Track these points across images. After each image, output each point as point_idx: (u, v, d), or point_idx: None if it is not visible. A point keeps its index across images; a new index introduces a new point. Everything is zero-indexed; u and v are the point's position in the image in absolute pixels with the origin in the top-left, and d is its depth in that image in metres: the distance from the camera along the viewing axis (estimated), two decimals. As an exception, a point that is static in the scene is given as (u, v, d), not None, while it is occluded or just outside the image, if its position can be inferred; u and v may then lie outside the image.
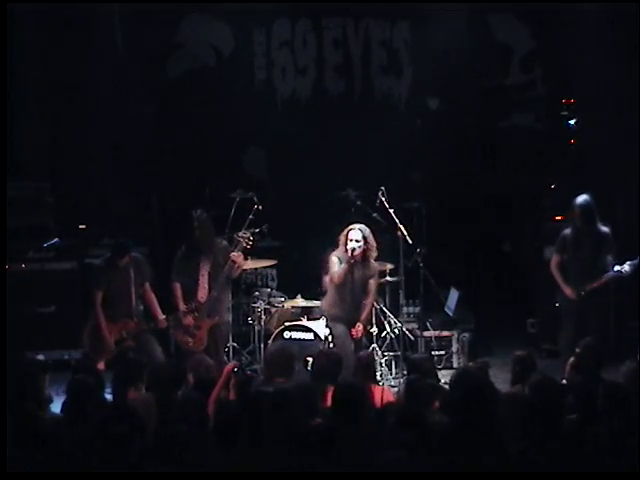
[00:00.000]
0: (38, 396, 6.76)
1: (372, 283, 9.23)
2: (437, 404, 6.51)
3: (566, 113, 12.12)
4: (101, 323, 8.93)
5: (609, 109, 11.46)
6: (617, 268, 8.91)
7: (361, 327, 9.16)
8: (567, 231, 9.21)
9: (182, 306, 9.07)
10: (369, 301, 9.25)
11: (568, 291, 9.05)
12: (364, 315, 9.21)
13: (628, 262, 8.92)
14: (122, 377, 7.11)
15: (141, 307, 9.16)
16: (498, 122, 12.62)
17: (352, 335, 9.08)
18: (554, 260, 9.24)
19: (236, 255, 9.08)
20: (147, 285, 9.14)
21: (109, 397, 7.02)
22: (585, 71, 11.66)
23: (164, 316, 9.07)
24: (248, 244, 9.13)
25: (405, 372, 9.32)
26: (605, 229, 9.11)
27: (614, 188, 11.31)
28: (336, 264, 9.11)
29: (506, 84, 12.61)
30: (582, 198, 9.10)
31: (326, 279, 9.45)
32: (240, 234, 9.21)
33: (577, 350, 7.40)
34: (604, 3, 11.33)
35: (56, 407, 6.81)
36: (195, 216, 9.08)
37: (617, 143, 11.38)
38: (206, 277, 9.11)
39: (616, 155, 11.36)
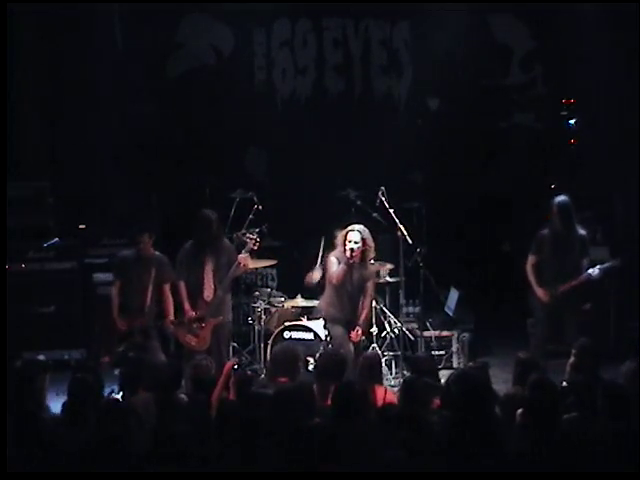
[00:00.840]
0: (38, 396, 6.76)
1: (369, 285, 9.21)
2: (436, 402, 6.52)
3: (566, 113, 12.12)
4: (114, 313, 8.97)
5: (609, 109, 11.45)
6: (590, 271, 8.86)
7: (360, 331, 9.14)
8: (544, 232, 9.12)
9: (189, 311, 9.06)
10: (367, 303, 9.23)
11: (540, 292, 8.98)
12: (362, 317, 9.18)
13: (598, 266, 8.88)
14: (132, 377, 7.13)
15: (155, 308, 9.15)
16: (498, 122, 12.61)
17: (351, 338, 9.07)
18: (530, 261, 9.12)
19: (243, 257, 9.06)
20: (166, 287, 9.13)
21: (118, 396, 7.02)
22: (585, 71, 11.66)
23: (172, 317, 9.07)
24: (256, 245, 9.11)
25: (405, 372, 9.33)
26: (582, 232, 9.06)
27: (614, 188, 11.30)
28: (334, 264, 9.10)
29: (506, 84, 12.60)
30: (560, 198, 9.03)
31: (314, 276, 9.48)
32: (248, 235, 9.18)
33: (574, 350, 7.40)
34: (604, 3, 11.33)
35: (56, 407, 6.81)
36: (209, 215, 9.08)
37: (617, 143, 11.38)
38: (211, 276, 9.10)
39: (616, 155, 11.36)
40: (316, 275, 9.57)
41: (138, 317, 8.96)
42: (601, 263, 8.97)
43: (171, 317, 9.07)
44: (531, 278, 9.07)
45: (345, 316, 9.13)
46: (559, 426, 5.71)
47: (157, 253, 9.13)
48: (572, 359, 7.33)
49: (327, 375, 7.10)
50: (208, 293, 9.11)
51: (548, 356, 8.72)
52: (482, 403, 5.74)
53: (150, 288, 8.99)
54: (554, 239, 9.00)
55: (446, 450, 5.41)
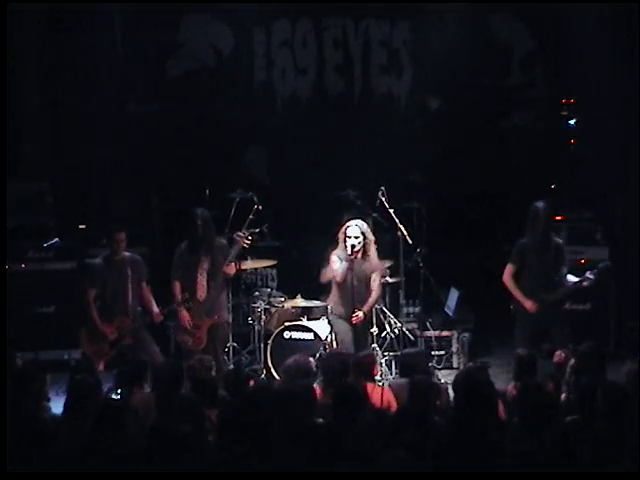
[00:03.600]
0: (38, 396, 6.75)
1: (374, 278, 9.19)
2: (437, 403, 6.53)
3: (566, 113, 12.12)
4: (96, 321, 8.96)
5: (609, 109, 11.45)
6: (575, 279, 8.78)
7: (360, 314, 9.07)
8: (524, 241, 8.99)
9: (178, 295, 9.07)
10: (373, 297, 9.20)
11: (529, 304, 8.82)
12: (366, 307, 9.14)
13: (588, 272, 8.80)
14: (127, 378, 7.11)
15: (139, 308, 9.17)
16: (498, 122, 12.61)
17: (352, 322, 9.02)
18: (508, 270, 8.98)
19: (229, 267, 9.10)
20: (143, 284, 9.17)
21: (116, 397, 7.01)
22: (585, 71, 11.65)
23: (158, 309, 9.07)
24: (246, 244, 9.13)
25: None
26: (559, 240, 9.01)
27: (614, 188, 11.30)
28: (337, 262, 9.11)
29: (506, 84, 12.60)
30: (541, 204, 8.89)
31: (326, 274, 9.47)
32: (238, 233, 9.21)
33: (576, 352, 7.38)
34: (604, 3, 11.32)
35: (56, 407, 6.81)
36: (199, 214, 9.09)
37: (617, 143, 11.37)
38: (205, 276, 9.13)
39: (616, 155, 11.35)
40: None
41: (123, 319, 8.98)
42: (590, 269, 8.89)
43: (156, 309, 9.08)
44: (513, 290, 8.94)
45: (351, 312, 9.08)
46: (556, 426, 5.71)
47: (128, 253, 9.15)
48: (573, 361, 7.30)
49: (331, 376, 7.08)
50: (201, 293, 9.13)
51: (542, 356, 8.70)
52: (485, 402, 5.75)
53: (130, 288, 9.01)
54: (535, 249, 8.89)
55: (447, 450, 5.41)
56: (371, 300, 9.21)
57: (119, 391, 6.92)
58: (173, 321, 9.72)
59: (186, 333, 9.12)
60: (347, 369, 7.21)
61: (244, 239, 9.12)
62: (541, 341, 8.95)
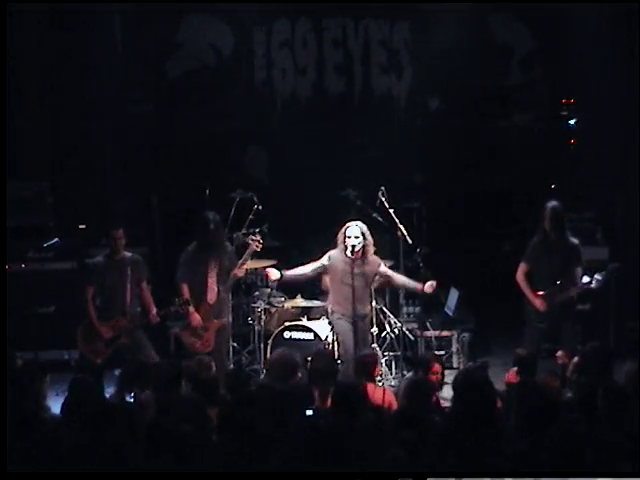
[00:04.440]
0: (38, 396, 6.75)
1: (384, 270, 9.16)
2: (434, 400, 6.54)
3: (566, 113, 12.13)
4: (93, 320, 8.95)
5: (609, 109, 11.45)
6: (586, 280, 8.76)
7: (430, 283, 9.06)
8: (536, 239, 9.01)
9: (187, 296, 9.05)
10: (401, 277, 9.18)
11: (538, 302, 8.84)
12: (416, 285, 9.12)
13: (596, 275, 8.80)
14: (128, 377, 7.11)
15: (138, 308, 9.14)
16: (498, 122, 12.62)
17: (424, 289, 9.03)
18: (521, 269, 8.99)
19: (240, 270, 9.10)
20: (144, 284, 9.15)
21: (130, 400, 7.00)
22: (585, 71, 11.66)
23: (155, 310, 9.06)
24: (259, 247, 9.09)
25: (405, 372, 9.31)
26: (575, 240, 8.95)
27: (614, 188, 11.31)
28: (323, 260, 9.06)
29: (506, 84, 12.61)
30: (553, 203, 8.90)
31: (326, 279, 9.45)
32: (251, 237, 9.15)
33: (580, 352, 7.37)
34: (604, 3, 11.33)
35: (56, 407, 6.81)
36: (211, 217, 9.07)
37: (617, 143, 11.37)
38: (214, 279, 9.09)
39: (616, 155, 11.36)
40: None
41: (120, 320, 8.96)
42: (599, 270, 8.87)
43: (154, 311, 9.07)
44: (524, 288, 8.95)
45: (351, 312, 9.03)
46: (556, 426, 5.72)
47: (129, 253, 9.13)
48: (576, 359, 7.29)
49: (320, 376, 7.07)
50: (211, 296, 9.09)
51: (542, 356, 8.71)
52: (485, 402, 5.75)
53: (128, 288, 9.00)
54: (546, 247, 8.88)
55: (447, 449, 5.41)
56: (403, 279, 9.17)
57: (132, 394, 6.90)
58: (173, 322, 9.71)
59: (194, 335, 9.07)
60: (334, 369, 7.21)
61: (256, 242, 9.08)
62: (550, 341, 8.94)
